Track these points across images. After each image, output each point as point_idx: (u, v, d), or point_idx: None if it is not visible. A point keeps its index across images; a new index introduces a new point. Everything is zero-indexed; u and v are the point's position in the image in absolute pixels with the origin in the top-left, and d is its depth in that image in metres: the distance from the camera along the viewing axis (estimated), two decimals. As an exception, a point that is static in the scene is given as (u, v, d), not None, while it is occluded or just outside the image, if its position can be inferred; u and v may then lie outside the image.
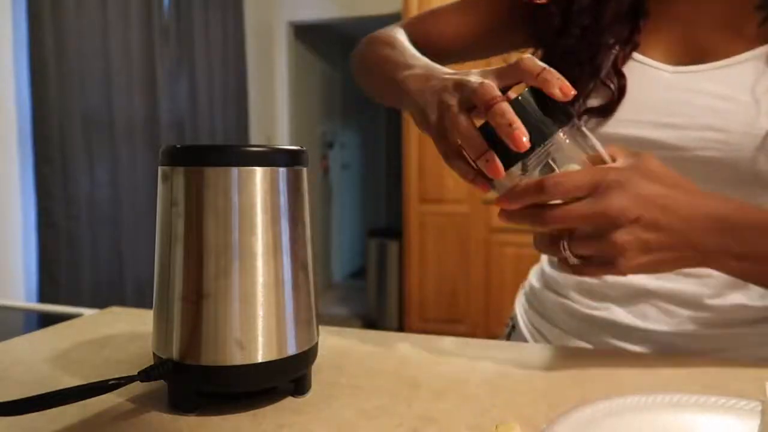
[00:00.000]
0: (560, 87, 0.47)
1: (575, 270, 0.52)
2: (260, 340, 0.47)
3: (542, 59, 0.75)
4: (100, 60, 2.82)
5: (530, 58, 0.50)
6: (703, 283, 0.65)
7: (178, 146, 0.48)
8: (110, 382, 0.44)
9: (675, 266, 0.52)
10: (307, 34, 4.72)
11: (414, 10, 3.51)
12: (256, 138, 4.13)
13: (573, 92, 0.48)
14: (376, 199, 6.64)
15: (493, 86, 0.49)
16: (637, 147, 0.62)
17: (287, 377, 0.50)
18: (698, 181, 0.53)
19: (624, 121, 0.67)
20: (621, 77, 0.68)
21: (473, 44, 0.81)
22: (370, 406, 0.49)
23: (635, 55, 0.70)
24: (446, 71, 0.57)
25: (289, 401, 0.50)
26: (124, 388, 0.46)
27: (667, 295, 0.67)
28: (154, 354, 0.49)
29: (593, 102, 0.68)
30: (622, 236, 0.48)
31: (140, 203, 3.05)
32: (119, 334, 0.70)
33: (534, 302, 0.80)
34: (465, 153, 0.52)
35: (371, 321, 4.28)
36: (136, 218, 3.01)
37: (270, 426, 0.46)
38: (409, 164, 3.67)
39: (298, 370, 0.50)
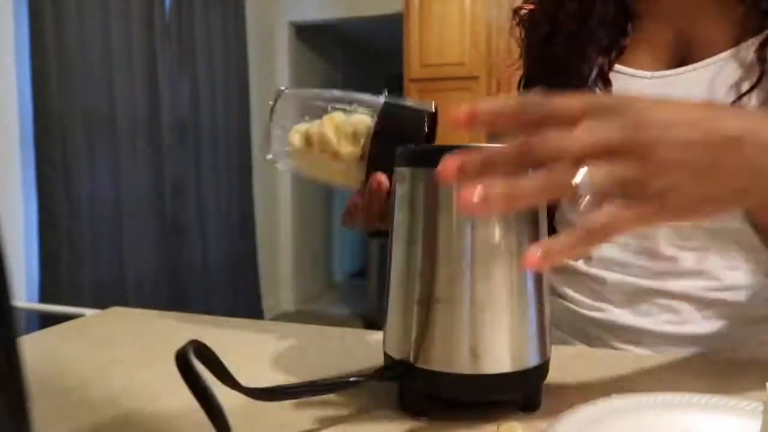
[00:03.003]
0: None
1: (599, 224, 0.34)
2: (497, 349, 0.45)
3: (530, 69, 0.76)
4: (101, 60, 2.82)
5: None
6: (705, 281, 0.65)
7: (416, 148, 0.49)
8: (351, 379, 0.46)
9: (736, 197, 0.37)
10: (307, 34, 4.72)
11: (415, 11, 3.51)
12: (257, 138, 4.13)
13: None
14: (377, 199, 6.62)
15: None
16: None
17: (521, 391, 0.48)
18: None
19: None
20: (608, 84, 0.67)
21: None
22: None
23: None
24: None
25: (521, 416, 0.47)
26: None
27: (670, 293, 0.66)
28: (385, 354, 0.49)
29: None
30: (669, 153, 0.33)
31: (142, 203, 3.05)
32: (121, 334, 0.70)
33: None
34: None
35: (372, 321, 4.28)
36: (137, 218, 3.01)
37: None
38: (410, 164, 3.66)
39: (532, 384, 0.48)
